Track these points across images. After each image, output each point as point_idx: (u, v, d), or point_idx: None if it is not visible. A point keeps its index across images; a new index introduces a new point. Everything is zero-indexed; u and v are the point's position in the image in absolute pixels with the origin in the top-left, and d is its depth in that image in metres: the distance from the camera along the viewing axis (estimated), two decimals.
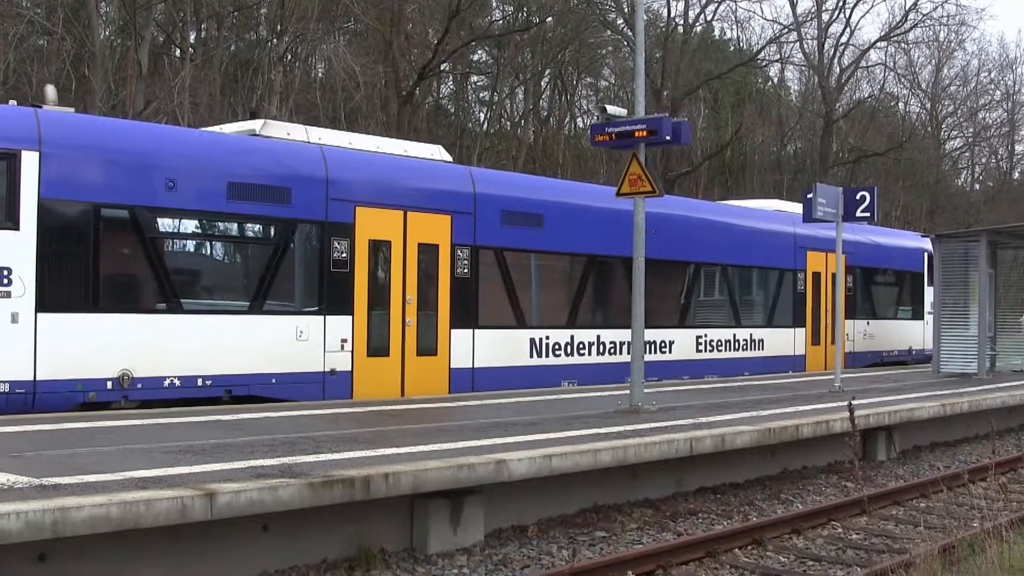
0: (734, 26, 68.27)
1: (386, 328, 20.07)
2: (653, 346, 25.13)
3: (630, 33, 48.69)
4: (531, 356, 22.77)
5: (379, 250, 20.05)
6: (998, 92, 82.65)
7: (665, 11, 58.25)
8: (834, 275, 26.71)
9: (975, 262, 28.87)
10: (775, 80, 71.92)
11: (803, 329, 30.35)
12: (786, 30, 62.81)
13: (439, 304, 21.00)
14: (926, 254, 30.10)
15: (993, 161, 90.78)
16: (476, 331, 21.64)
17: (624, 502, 14.46)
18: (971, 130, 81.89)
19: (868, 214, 22.59)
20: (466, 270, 21.46)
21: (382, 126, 44.21)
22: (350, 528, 11.17)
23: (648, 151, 17.95)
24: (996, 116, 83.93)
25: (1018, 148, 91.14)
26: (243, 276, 19.22)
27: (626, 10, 50.29)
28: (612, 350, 24.25)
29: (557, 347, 23.36)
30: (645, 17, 18.90)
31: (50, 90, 17.86)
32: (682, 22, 57.21)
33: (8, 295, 15.47)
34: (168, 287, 17.49)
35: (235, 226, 18.78)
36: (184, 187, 17.45)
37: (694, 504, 14.92)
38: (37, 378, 15.76)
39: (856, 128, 69.08)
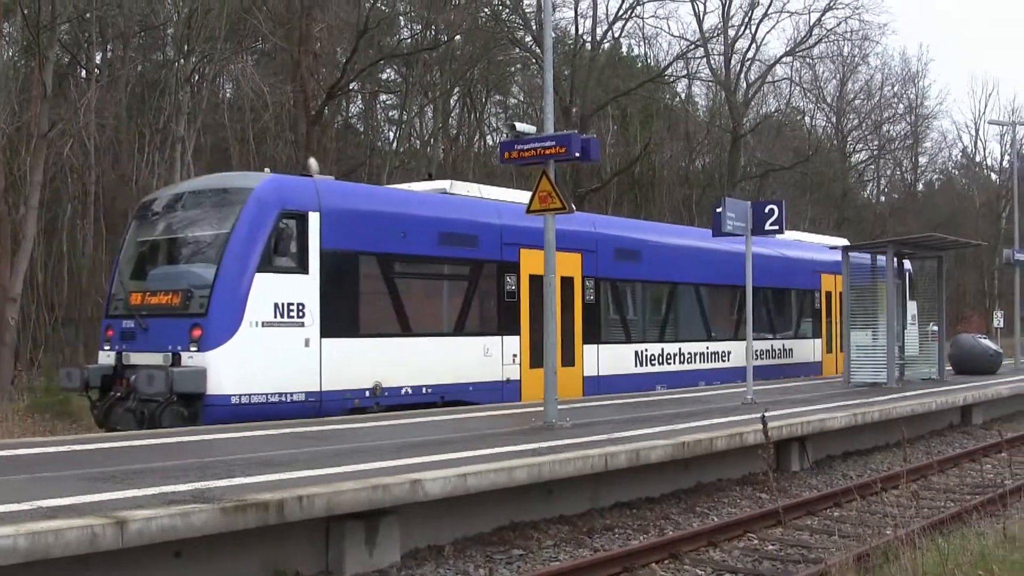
0: (641, 43, 68.67)
1: (541, 345, 22.84)
2: (717, 355, 30.89)
3: (538, 50, 48.84)
4: (635, 366, 27.98)
5: (535, 282, 23.61)
6: (901, 105, 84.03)
7: (573, 28, 58.53)
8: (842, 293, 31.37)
9: (883, 272, 29.23)
10: (683, 96, 72.39)
11: (820, 339, 36.11)
12: (693, 46, 63.20)
13: (574, 325, 25.83)
14: (908, 272, 33.63)
15: (898, 173, 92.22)
16: (600, 346, 26.66)
17: (540, 519, 14.42)
18: (876, 143, 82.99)
19: (776, 227, 22.76)
20: (592, 297, 26.45)
21: (291, 146, 43.97)
22: (264, 552, 11.03)
23: (558, 168, 18.01)
24: (900, 129, 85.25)
25: (922, 160, 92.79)
26: (449, 306, 23.74)
27: (534, 27, 50.42)
28: (690, 359, 29.81)
29: (653, 358, 28.54)
30: (553, 34, 18.95)
31: (313, 162, 22.68)
32: (590, 39, 57.43)
33: (302, 325, 19.83)
34: (403, 315, 22.17)
35: (444, 267, 23.43)
36: (411, 236, 22.12)
37: (610, 519, 14.91)
38: (323, 389, 20.09)
39: (763, 142, 69.72)
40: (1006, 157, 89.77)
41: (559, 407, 18.88)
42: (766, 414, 11.72)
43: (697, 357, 29.89)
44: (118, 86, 39.63)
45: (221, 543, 10.40)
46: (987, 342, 37.36)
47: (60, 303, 38.16)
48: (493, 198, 25.12)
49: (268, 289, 19.39)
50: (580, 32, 57.74)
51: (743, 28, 65.06)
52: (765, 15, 64.66)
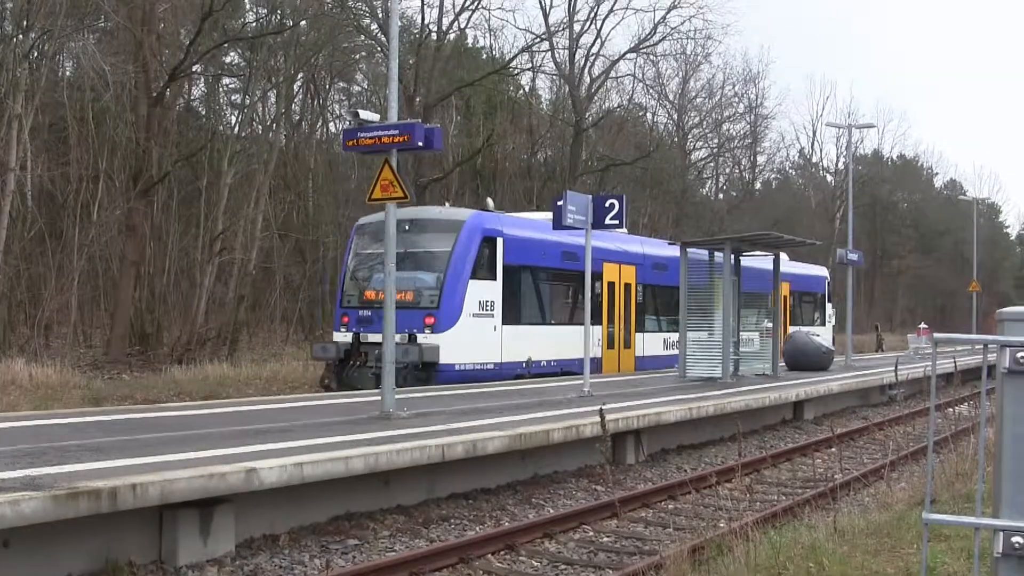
0: (487, 34, 68.88)
1: (613, 332, 34.33)
2: None
3: (384, 38, 48.55)
4: (663, 349, 36.97)
5: (610, 287, 34.06)
6: (741, 105, 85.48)
7: (419, 17, 58.16)
8: (794, 295, 42.63)
9: (719, 269, 29.61)
10: (527, 88, 72.64)
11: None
12: (538, 39, 63.30)
13: (631, 318, 35.35)
14: (827, 280, 44.71)
15: (736, 171, 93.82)
16: (645, 334, 36.14)
17: (376, 509, 14.36)
18: (716, 141, 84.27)
19: (617, 221, 22.91)
20: (640, 298, 35.77)
21: (131, 127, 43.15)
22: (97, 541, 10.79)
23: (400, 157, 17.95)
24: (740, 128, 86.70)
25: (760, 159, 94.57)
26: (566, 303, 32.95)
27: (380, 16, 50.13)
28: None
29: (673, 344, 34.84)
30: (399, 23, 18.84)
31: (490, 200, 34.09)
32: (436, 29, 57.10)
33: (492, 316, 28.56)
34: (544, 309, 31.55)
35: (564, 276, 32.02)
36: (548, 254, 31.17)
37: (446, 510, 14.90)
38: (502, 361, 28.87)
39: (605, 137, 70.22)
40: (841, 159, 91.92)
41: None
42: (603, 407, 11.79)
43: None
44: None
45: (52, 532, 10.14)
46: (820, 339, 38.20)
47: None
48: None
49: (476, 291, 28.06)
50: (426, 21, 57.44)
51: (588, 23, 65.28)
52: (611, 11, 64.85)
